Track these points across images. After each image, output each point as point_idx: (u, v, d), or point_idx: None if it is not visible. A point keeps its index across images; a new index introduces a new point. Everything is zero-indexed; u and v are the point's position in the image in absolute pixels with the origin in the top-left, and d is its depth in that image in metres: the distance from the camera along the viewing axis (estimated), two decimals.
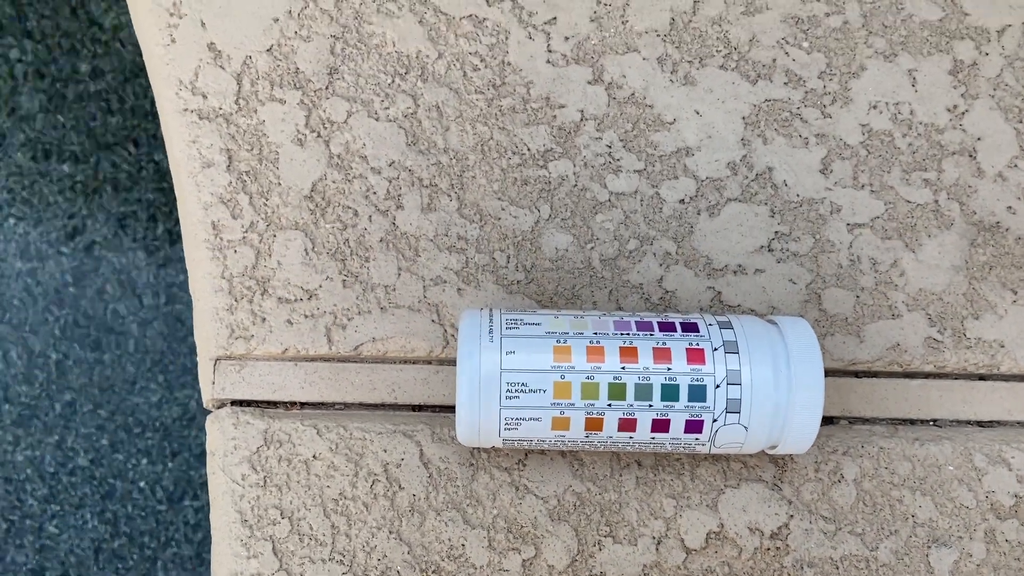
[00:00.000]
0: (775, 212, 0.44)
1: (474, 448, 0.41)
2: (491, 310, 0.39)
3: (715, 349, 0.37)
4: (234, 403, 0.43)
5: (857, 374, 0.43)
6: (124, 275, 0.94)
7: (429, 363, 0.43)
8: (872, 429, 0.43)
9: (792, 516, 0.41)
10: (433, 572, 0.40)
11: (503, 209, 0.44)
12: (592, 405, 0.37)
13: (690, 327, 0.38)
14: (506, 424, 0.37)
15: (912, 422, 0.43)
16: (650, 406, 0.37)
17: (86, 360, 0.94)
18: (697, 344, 0.37)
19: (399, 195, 0.44)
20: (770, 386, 0.37)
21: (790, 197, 0.44)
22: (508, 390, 0.36)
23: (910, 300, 0.43)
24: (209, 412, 0.43)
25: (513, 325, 0.38)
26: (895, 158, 0.45)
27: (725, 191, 0.44)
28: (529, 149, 0.44)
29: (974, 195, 0.44)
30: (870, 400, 0.43)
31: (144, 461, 0.91)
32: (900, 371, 0.43)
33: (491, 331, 0.37)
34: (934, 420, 0.43)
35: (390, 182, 0.44)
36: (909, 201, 0.44)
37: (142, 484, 0.91)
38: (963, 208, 0.44)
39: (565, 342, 0.37)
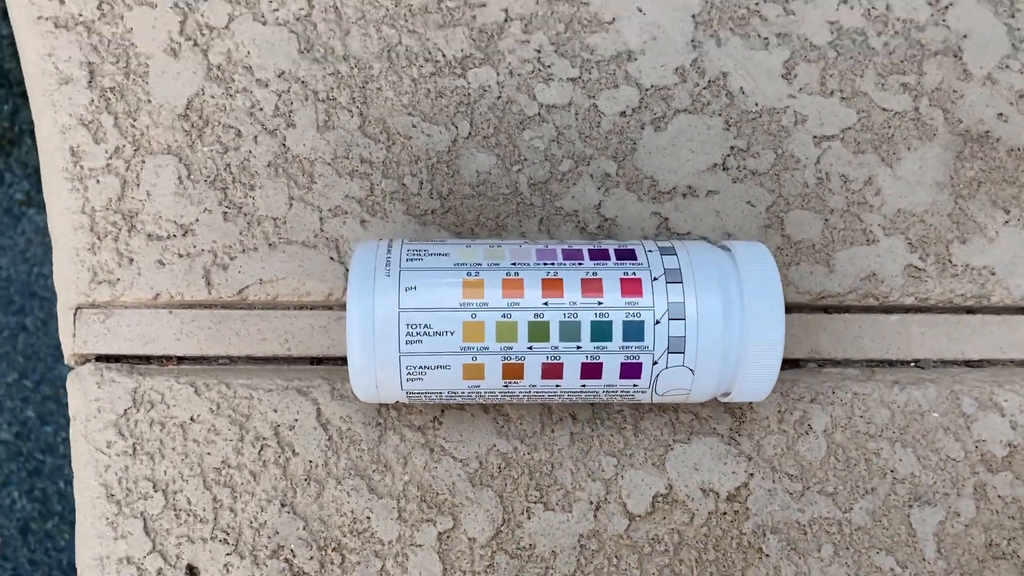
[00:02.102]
0: (731, 124, 0.38)
1: (381, 405, 0.35)
2: (391, 241, 0.33)
3: (655, 279, 0.31)
4: (99, 358, 0.36)
5: (827, 309, 0.38)
6: (48, 234, 0.87)
7: (329, 308, 0.37)
8: (844, 372, 0.37)
9: (752, 475, 0.35)
10: (333, 550, 0.34)
11: (414, 126, 0.37)
12: (510, 348, 0.31)
13: (626, 254, 0.32)
14: (408, 374, 0.31)
15: (891, 363, 0.37)
16: (578, 348, 0.31)
17: (8, 326, 0.87)
18: (634, 273, 0.31)
19: (290, 112, 0.37)
20: (719, 320, 0.31)
21: (748, 107, 0.38)
22: (408, 333, 0.30)
23: (887, 223, 0.38)
24: (71, 369, 0.36)
25: (416, 257, 0.32)
26: (869, 60, 0.38)
27: (673, 101, 0.38)
28: (444, 56, 0.38)
29: (960, 101, 0.38)
30: (842, 339, 0.37)
31: None
32: (876, 305, 0.37)
33: (388, 264, 0.31)
34: (916, 361, 0.37)
35: (279, 96, 0.37)
36: (885, 109, 0.38)
37: None
38: (947, 116, 0.38)
39: (477, 275, 0.31)
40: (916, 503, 0.35)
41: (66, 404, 0.35)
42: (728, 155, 0.38)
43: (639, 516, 0.35)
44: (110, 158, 0.37)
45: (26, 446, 0.85)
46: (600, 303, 0.31)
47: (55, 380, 0.85)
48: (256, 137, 0.37)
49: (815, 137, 0.38)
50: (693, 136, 0.38)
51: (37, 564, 0.84)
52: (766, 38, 0.38)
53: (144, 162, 0.37)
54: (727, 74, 0.38)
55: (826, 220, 0.37)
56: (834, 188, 0.38)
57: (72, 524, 0.85)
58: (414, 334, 0.30)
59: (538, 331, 0.30)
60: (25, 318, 0.87)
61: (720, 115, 0.38)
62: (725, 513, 0.35)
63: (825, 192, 0.38)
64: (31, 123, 0.90)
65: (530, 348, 0.31)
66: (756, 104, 0.38)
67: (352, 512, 0.35)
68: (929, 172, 0.38)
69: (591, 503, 0.35)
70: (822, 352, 0.37)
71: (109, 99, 0.37)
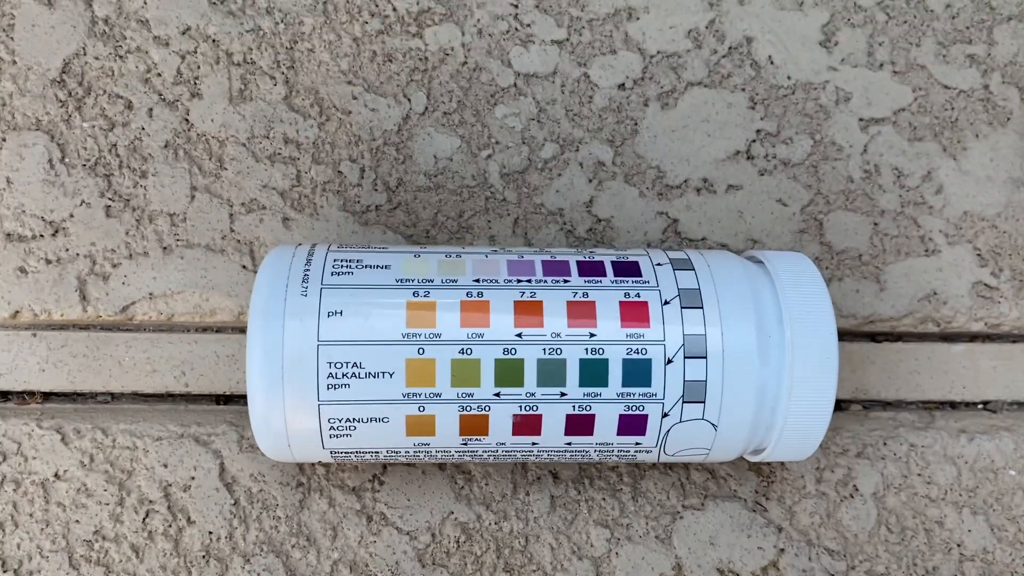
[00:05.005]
0: (757, 102, 0.30)
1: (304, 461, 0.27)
2: (313, 247, 0.24)
3: (666, 302, 0.23)
4: None
5: (875, 337, 0.30)
6: None
7: (239, 331, 0.29)
8: (897, 417, 0.29)
9: (783, 550, 0.28)
10: None
11: (355, 98, 0.29)
12: (470, 396, 0.23)
13: (628, 269, 0.24)
14: (332, 429, 0.23)
15: (955, 406, 0.30)
16: (563, 395, 0.23)
17: None
18: (637, 294, 0.23)
19: (196, 78, 0.29)
20: (753, 358, 0.23)
21: (778, 80, 0.30)
22: (331, 375, 0.22)
23: (951, 228, 0.30)
24: None
25: (344, 269, 0.24)
26: (927, 25, 0.31)
27: (685, 72, 0.30)
28: (395, 9, 0.30)
29: None
30: (894, 375, 0.30)
31: None
32: (937, 332, 0.30)
33: (305, 280, 0.23)
34: (986, 403, 0.30)
35: (183, 59, 0.29)
36: (948, 87, 0.31)
37: None
38: None
39: (427, 295, 0.23)
40: None
41: None
42: (754, 141, 0.30)
43: None
44: None
45: None
46: (592, 335, 0.23)
47: None
48: (151, 110, 0.29)
49: (861, 120, 0.30)
50: (710, 116, 0.30)
51: None
52: None
53: (5, 140, 0.29)
54: (752, 39, 0.30)
55: (875, 224, 0.30)
56: (885, 184, 0.30)
57: None
58: (339, 376, 0.22)
59: (509, 372, 0.22)
60: None
61: (744, 90, 0.30)
62: None
63: (874, 189, 0.30)
64: None
65: (497, 395, 0.23)
66: (788, 77, 0.30)
67: None
68: (1002, 165, 0.30)
69: None
70: (870, 391, 0.29)
71: None
